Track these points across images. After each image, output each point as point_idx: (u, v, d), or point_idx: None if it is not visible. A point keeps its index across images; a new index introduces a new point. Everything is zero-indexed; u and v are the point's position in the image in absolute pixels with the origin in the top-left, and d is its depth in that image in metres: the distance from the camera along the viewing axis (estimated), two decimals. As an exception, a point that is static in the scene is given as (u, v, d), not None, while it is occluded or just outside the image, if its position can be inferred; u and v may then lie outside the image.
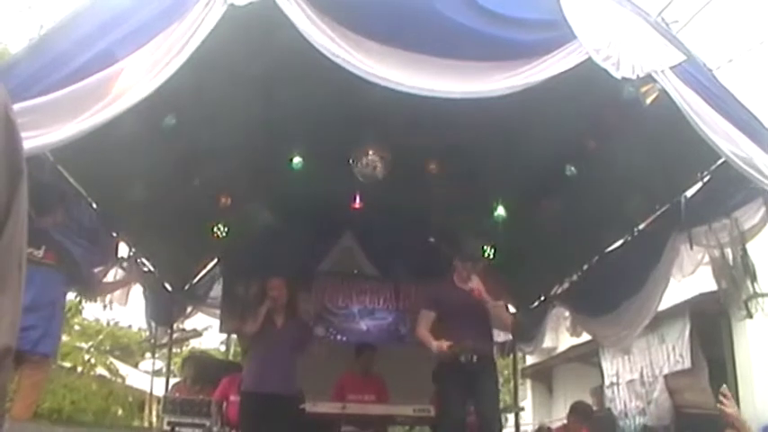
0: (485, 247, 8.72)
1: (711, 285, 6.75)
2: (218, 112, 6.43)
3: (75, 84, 4.17)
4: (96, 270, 7.06)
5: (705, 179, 6.31)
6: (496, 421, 6.65)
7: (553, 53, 4.72)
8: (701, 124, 4.75)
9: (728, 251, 6.09)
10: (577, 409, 8.45)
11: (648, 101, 4.77)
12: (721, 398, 4.71)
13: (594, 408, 11.00)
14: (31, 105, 4.00)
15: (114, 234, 7.49)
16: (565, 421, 9.04)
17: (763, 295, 5.97)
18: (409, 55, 4.68)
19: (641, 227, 7.61)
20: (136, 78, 4.30)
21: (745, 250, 5.96)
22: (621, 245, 8.05)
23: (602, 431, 10.88)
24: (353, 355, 9.00)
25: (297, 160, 7.71)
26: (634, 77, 4.66)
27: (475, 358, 6.27)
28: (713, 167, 6.04)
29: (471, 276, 6.48)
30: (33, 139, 3.93)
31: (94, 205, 6.93)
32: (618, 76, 4.65)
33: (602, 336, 9.09)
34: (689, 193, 6.66)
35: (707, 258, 6.57)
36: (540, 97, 5.22)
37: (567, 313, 9.84)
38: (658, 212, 7.24)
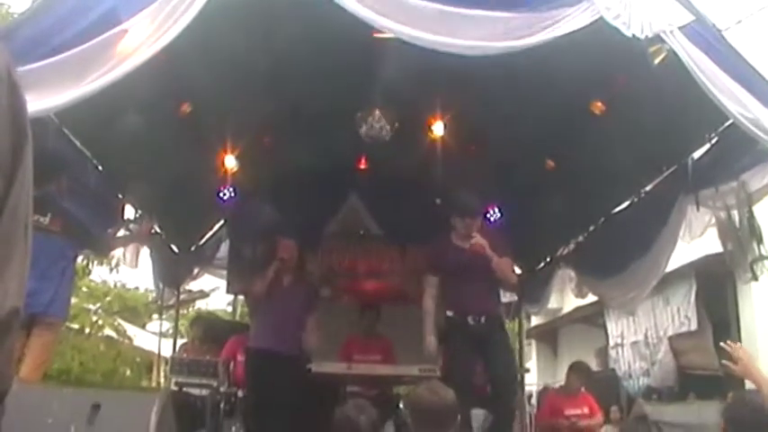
0: (488, 207, 8.74)
1: (717, 247, 6.74)
2: (224, 72, 6.38)
3: (78, 46, 4.13)
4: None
5: (713, 141, 6.28)
6: (512, 382, 6.62)
7: (565, 12, 4.66)
8: (710, 85, 4.70)
9: (735, 213, 6.08)
10: (576, 369, 8.48)
11: (657, 61, 4.72)
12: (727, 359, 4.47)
13: (599, 369, 11.08)
14: (35, 68, 3.97)
15: (120, 196, 7.49)
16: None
17: (768, 257, 5.96)
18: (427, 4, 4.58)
19: (648, 188, 7.58)
20: (140, 40, 4.27)
21: (751, 212, 5.95)
22: (628, 206, 8.03)
23: (606, 391, 10.96)
24: (358, 317, 9.03)
25: (303, 121, 7.67)
26: (643, 37, 4.61)
27: (483, 319, 6.22)
28: (721, 129, 6.00)
29: (472, 233, 6.22)
30: (37, 102, 3.91)
31: (100, 167, 6.93)
32: (628, 33, 4.59)
33: (610, 297, 9.11)
34: (696, 154, 6.61)
35: (714, 220, 6.57)
36: (546, 58, 5.17)
37: (572, 274, 9.86)
38: (665, 174, 7.20)
